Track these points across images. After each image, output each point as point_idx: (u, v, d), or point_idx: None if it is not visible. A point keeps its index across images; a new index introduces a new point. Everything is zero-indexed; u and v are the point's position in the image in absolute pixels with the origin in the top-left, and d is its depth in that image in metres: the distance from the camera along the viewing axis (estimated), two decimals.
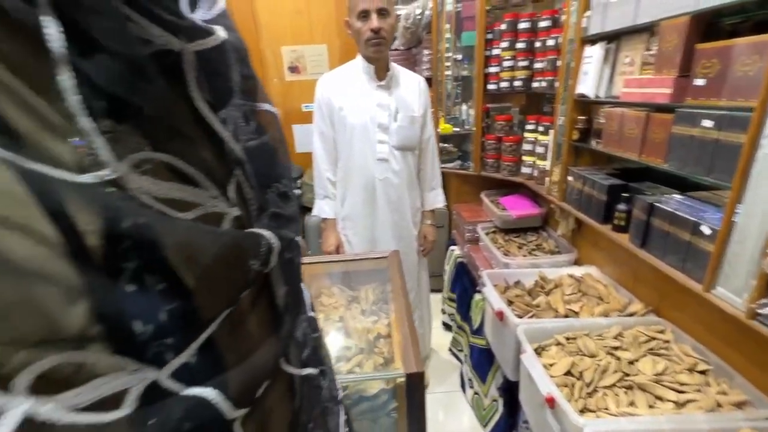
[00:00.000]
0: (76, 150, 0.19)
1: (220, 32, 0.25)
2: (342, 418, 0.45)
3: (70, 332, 0.18)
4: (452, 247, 2.15)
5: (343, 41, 2.70)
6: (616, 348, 1.00)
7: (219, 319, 0.25)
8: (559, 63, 1.45)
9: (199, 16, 0.24)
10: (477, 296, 1.70)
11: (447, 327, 2.23)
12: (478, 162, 2.02)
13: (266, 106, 0.31)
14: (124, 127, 0.21)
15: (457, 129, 2.17)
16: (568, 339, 1.06)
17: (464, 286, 1.90)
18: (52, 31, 0.18)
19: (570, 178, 1.40)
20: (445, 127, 2.09)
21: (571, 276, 1.37)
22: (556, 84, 1.45)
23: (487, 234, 1.80)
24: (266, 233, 0.28)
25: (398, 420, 0.77)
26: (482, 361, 1.58)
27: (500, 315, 1.20)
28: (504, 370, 1.28)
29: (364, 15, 1.32)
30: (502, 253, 1.60)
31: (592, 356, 0.99)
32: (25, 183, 0.17)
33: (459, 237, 2.10)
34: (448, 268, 2.14)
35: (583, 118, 1.34)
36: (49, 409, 0.17)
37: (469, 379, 1.72)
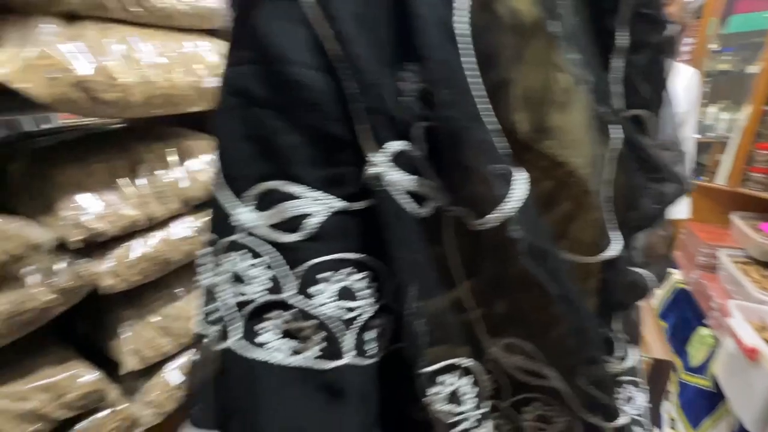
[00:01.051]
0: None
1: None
2: None
3: None
4: (671, 270, 1.85)
5: None
6: None
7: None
8: None
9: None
10: (704, 330, 1.43)
11: None
12: (738, 175, 1.65)
13: None
14: None
15: (697, 135, 1.81)
16: None
17: (683, 315, 1.62)
18: (624, 35, 0.28)
19: None
20: None
21: None
22: None
23: (735, 263, 1.48)
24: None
25: None
26: (698, 403, 1.34)
27: (753, 353, 1.00)
28: (741, 419, 1.07)
29: None
30: (758, 288, 1.30)
31: None
32: None
33: (686, 259, 1.78)
34: (662, 293, 1.85)
35: None
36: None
37: (672, 419, 1.49)
